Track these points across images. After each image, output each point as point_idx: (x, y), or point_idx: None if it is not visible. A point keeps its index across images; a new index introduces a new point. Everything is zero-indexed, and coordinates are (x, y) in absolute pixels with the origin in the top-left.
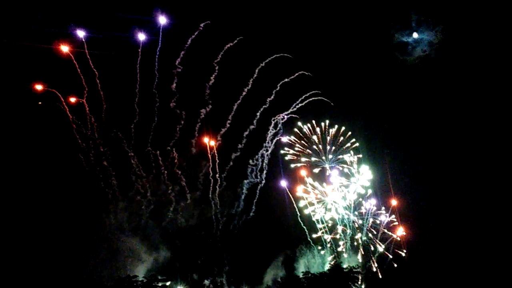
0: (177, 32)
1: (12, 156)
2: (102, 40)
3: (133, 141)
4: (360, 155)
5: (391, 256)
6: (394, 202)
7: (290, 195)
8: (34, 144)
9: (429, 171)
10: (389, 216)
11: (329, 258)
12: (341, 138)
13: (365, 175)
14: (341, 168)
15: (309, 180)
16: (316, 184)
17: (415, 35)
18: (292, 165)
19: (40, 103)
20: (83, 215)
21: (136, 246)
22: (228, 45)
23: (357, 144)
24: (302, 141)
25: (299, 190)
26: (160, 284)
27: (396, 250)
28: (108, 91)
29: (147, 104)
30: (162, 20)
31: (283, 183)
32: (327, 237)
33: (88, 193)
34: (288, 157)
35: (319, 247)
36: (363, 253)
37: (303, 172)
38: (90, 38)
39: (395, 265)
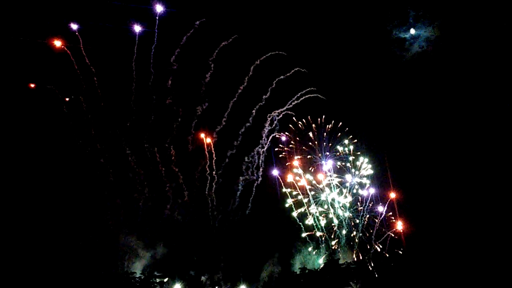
0: (172, 29)
1: (8, 153)
2: (96, 33)
3: (130, 138)
4: (359, 153)
5: (387, 255)
6: (392, 195)
7: (285, 190)
8: (30, 141)
9: (430, 167)
10: (388, 212)
11: (323, 257)
12: (339, 134)
13: (362, 170)
14: (338, 167)
15: (306, 175)
16: (311, 178)
17: (413, 31)
18: (287, 163)
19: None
20: (80, 212)
21: (133, 243)
22: (224, 43)
23: (355, 141)
24: (297, 138)
25: (295, 186)
26: (157, 281)
27: (394, 249)
28: (104, 87)
29: (144, 101)
30: (159, 8)
31: (275, 172)
32: (321, 234)
33: (85, 190)
34: (282, 154)
35: (312, 245)
36: (358, 251)
37: (295, 163)
38: (84, 32)
39: (392, 264)
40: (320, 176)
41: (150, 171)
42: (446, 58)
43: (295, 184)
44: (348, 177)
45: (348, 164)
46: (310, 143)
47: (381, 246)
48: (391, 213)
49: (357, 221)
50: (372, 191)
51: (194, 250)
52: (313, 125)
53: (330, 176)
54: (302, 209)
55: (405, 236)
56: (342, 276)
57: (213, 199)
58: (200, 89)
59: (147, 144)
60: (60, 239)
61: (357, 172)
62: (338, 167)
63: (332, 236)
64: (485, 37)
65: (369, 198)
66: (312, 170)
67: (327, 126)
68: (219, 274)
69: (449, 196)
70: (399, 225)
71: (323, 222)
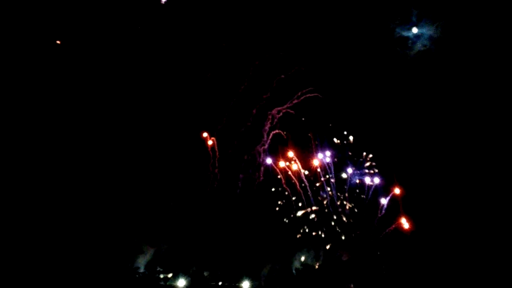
0: (171, 29)
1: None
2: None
3: (131, 135)
4: (365, 153)
5: (388, 254)
6: (397, 191)
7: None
8: (32, 141)
9: (433, 165)
10: (389, 211)
11: (322, 254)
12: (341, 132)
13: (365, 167)
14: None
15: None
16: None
17: (415, 30)
18: (286, 163)
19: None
20: (83, 209)
21: (137, 239)
22: (223, 45)
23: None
24: (296, 137)
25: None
26: (161, 276)
27: (395, 248)
28: (102, 88)
29: (143, 101)
30: None
31: (269, 161)
32: (319, 233)
33: (88, 188)
34: (280, 155)
35: (312, 244)
36: (357, 249)
37: (291, 154)
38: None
39: (393, 263)
40: (316, 168)
41: (152, 168)
42: (450, 56)
43: (290, 175)
44: (348, 172)
45: (348, 160)
46: (310, 144)
47: (381, 246)
48: (391, 213)
49: (357, 219)
50: (377, 180)
51: (196, 246)
52: (313, 124)
53: (329, 173)
54: (300, 212)
55: (408, 235)
56: (343, 273)
57: (215, 197)
58: (201, 90)
59: (148, 142)
60: (64, 235)
61: (357, 171)
62: (337, 160)
63: (331, 235)
64: (489, 36)
65: (371, 194)
66: (311, 170)
67: (328, 124)
68: (221, 270)
69: (455, 196)
70: (401, 223)
71: (321, 221)
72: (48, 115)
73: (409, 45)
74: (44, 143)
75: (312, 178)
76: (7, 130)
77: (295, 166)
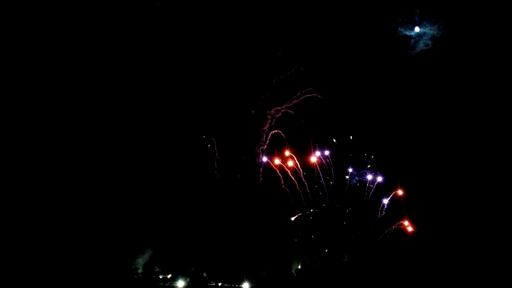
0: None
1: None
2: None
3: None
4: (366, 154)
5: (388, 255)
6: (398, 192)
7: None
8: (32, 141)
9: (435, 166)
10: (390, 213)
11: (321, 256)
12: (341, 133)
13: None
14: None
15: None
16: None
17: (417, 29)
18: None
19: None
20: (83, 209)
21: (136, 240)
22: (221, 45)
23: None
24: (296, 138)
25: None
26: (160, 277)
27: (395, 249)
28: (101, 89)
29: (142, 102)
30: None
31: (264, 159)
32: (318, 235)
33: (88, 189)
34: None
35: (312, 245)
36: (355, 252)
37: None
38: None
39: (393, 266)
40: (316, 169)
41: (151, 169)
42: (452, 55)
43: (289, 176)
44: (348, 173)
45: (348, 161)
46: (309, 144)
47: (381, 247)
48: (391, 215)
49: (357, 220)
50: (380, 178)
51: (195, 247)
52: (312, 124)
53: (329, 173)
54: (299, 214)
55: (409, 237)
56: (342, 275)
57: (214, 197)
58: (201, 90)
59: (147, 143)
60: (64, 235)
61: (357, 172)
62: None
63: (331, 236)
64: (491, 34)
65: (371, 195)
66: (310, 171)
67: (328, 125)
68: (221, 271)
69: (457, 197)
70: (403, 225)
71: (321, 222)
72: (48, 116)
73: (411, 44)
74: (45, 144)
75: (311, 179)
76: (7, 130)
77: (294, 167)
